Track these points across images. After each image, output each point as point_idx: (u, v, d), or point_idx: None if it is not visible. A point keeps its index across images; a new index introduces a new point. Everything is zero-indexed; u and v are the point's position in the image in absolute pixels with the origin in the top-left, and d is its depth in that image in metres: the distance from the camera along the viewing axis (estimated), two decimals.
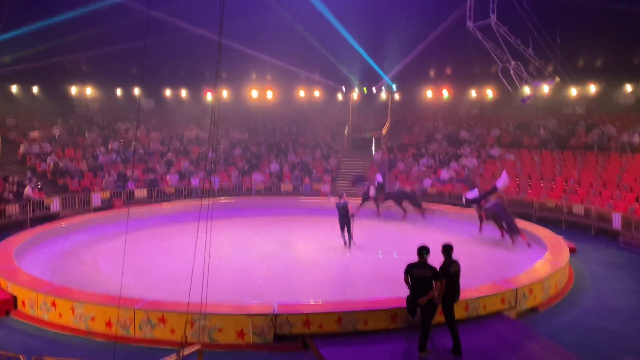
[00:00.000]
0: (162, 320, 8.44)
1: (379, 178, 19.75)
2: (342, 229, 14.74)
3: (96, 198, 20.07)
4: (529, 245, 14.46)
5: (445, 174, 23.11)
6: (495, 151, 24.22)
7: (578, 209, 18.07)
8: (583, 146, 22.64)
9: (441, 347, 7.96)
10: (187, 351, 5.94)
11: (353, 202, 16.36)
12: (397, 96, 30.48)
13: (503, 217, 15.35)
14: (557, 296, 10.71)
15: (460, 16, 19.58)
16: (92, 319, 8.81)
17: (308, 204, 21.63)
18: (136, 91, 29.50)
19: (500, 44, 18.69)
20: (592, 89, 25.18)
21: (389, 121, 29.45)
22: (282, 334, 8.41)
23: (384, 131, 28.80)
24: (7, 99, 26.82)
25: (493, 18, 18.24)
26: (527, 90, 20.28)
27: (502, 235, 15.55)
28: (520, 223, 16.64)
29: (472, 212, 18.70)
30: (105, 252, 14.05)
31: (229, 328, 8.35)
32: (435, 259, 7.89)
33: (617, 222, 16.35)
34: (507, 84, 19.92)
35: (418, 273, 7.76)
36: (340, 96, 30.82)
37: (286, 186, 24.00)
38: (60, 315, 9.11)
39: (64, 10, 20.60)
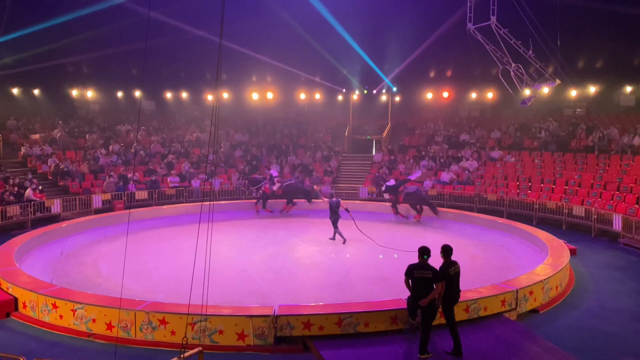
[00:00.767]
0: (163, 322, 8.44)
1: (390, 181, 20.55)
2: (334, 225, 15.67)
3: (97, 200, 20.11)
4: (418, 220, 18.53)
5: (445, 176, 23.12)
6: (496, 153, 24.23)
7: (578, 210, 18.08)
8: (583, 148, 22.66)
9: (442, 349, 7.96)
10: (188, 353, 5.95)
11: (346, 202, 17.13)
12: (397, 98, 30.52)
13: (420, 200, 18.93)
14: (558, 298, 10.71)
15: (461, 18, 19.60)
16: (93, 320, 8.81)
17: (309, 205, 21.64)
18: (137, 93, 29.53)
19: (500, 46, 18.70)
20: (592, 90, 25.21)
21: (390, 123, 29.47)
22: (283, 336, 8.41)
23: (384, 133, 28.82)
24: (9, 101, 26.87)
25: (493, 20, 18.25)
26: (527, 92, 20.29)
27: (396, 213, 19.33)
28: (520, 225, 16.72)
29: (473, 214, 18.78)
30: (106, 254, 14.06)
31: (230, 330, 8.35)
32: (436, 261, 7.90)
33: (617, 223, 16.35)
34: (507, 86, 19.92)
35: (419, 274, 7.76)
36: (340, 98, 30.84)
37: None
38: (61, 317, 9.11)
39: (64, 12, 20.63)
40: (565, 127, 24.77)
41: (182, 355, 5.84)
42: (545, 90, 20.91)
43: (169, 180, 22.85)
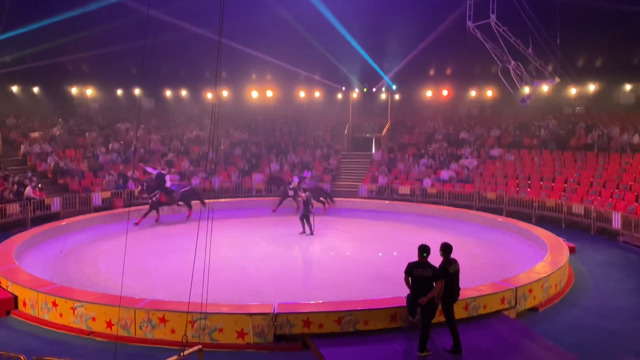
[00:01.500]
0: (163, 320, 8.45)
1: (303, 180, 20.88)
2: (307, 219, 16.39)
3: (97, 198, 20.11)
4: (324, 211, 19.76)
5: (445, 174, 23.14)
6: (496, 151, 24.24)
7: (578, 208, 18.09)
8: (583, 146, 22.66)
9: (441, 347, 7.98)
10: (188, 351, 5.96)
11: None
12: (397, 96, 30.50)
13: (322, 194, 20.62)
14: (557, 296, 10.73)
15: (460, 16, 19.59)
16: (93, 318, 8.82)
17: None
18: (136, 91, 29.50)
19: (500, 44, 18.70)
20: (592, 88, 25.21)
21: (389, 121, 29.47)
22: (283, 334, 8.42)
23: (383, 131, 28.82)
24: (8, 99, 26.82)
25: (493, 18, 18.24)
26: (527, 90, 20.29)
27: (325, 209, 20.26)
28: (519, 223, 16.74)
29: (472, 212, 18.74)
30: (105, 252, 14.06)
31: (230, 328, 8.36)
32: (435, 259, 7.90)
33: (616, 221, 16.37)
34: (507, 84, 19.94)
35: (419, 273, 7.77)
36: (340, 96, 30.82)
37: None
38: (60, 315, 9.12)
39: (64, 10, 20.59)
40: (565, 125, 24.77)
41: (181, 354, 5.85)
42: (545, 88, 20.93)
43: (168, 178, 22.78)
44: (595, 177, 19.90)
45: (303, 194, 17.19)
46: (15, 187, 18.49)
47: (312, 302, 9.59)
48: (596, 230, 17.18)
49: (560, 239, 13.89)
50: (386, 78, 27.84)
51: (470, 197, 21.24)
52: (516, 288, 9.70)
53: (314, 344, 8.19)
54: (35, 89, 27.84)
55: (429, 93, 29.16)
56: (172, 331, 8.39)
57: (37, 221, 17.26)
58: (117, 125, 27.54)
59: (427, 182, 22.88)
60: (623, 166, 19.93)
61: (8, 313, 9.69)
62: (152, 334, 8.50)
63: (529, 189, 20.71)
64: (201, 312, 8.13)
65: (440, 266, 7.87)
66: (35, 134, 24.28)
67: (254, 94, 29.95)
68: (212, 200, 19.61)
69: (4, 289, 10.15)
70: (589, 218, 17.52)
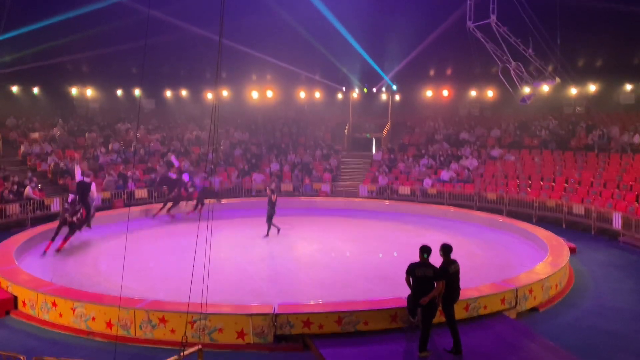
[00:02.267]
0: (163, 320, 8.45)
1: (186, 177, 19.60)
2: (271, 219, 16.00)
3: (97, 198, 20.05)
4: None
5: (445, 174, 23.13)
6: (496, 152, 24.23)
7: (578, 209, 18.08)
8: (583, 146, 22.66)
9: (441, 347, 7.97)
10: (188, 351, 5.94)
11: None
12: (397, 96, 30.49)
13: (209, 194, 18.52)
14: (557, 296, 10.72)
15: (460, 16, 19.57)
16: (93, 319, 8.81)
17: (308, 203, 21.68)
18: (137, 92, 29.50)
19: (500, 44, 18.68)
20: (592, 88, 25.21)
21: (389, 121, 29.47)
22: (283, 334, 8.41)
23: (384, 132, 28.82)
24: (8, 100, 26.84)
25: (493, 18, 18.22)
26: (527, 90, 20.29)
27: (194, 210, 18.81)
28: (520, 224, 16.73)
29: (472, 212, 18.70)
30: (105, 252, 14.05)
31: (230, 328, 8.35)
32: (435, 260, 7.90)
33: (617, 222, 16.36)
34: (507, 85, 19.92)
35: (420, 273, 7.76)
36: (340, 96, 30.82)
37: (286, 186, 24.02)
38: (60, 315, 9.12)
39: (64, 10, 20.60)
40: (565, 126, 24.76)
41: (181, 354, 5.83)
42: (545, 88, 20.92)
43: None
44: (596, 177, 19.89)
45: (271, 193, 16.23)
46: (15, 187, 18.48)
47: (312, 302, 9.60)
48: (596, 231, 17.16)
49: (561, 240, 13.87)
50: (386, 78, 27.84)
51: (471, 198, 21.23)
52: (516, 288, 9.70)
53: (314, 344, 8.18)
54: (36, 89, 27.85)
55: (429, 93, 29.16)
56: (172, 331, 8.38)
57: (37, 221, 17.25)
58: (117, 126, 27.54)
59: (427, 183, 22.86)
60: (623, 166, 19.92)
61: (8, 313, 9.68)
62: (152, 334, 8.49)
63: (529, 189, 20.70)
64: (201, 313, 8.12)
65: (440, 266, 7.87)
66: (35, 134, 24.28)
67: (254, 94, 29.95)
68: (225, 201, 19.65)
69: (4, 289, 10.14)
70: (589, 218, 17.51)
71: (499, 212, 19.77)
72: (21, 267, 11.14)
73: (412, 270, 7.85)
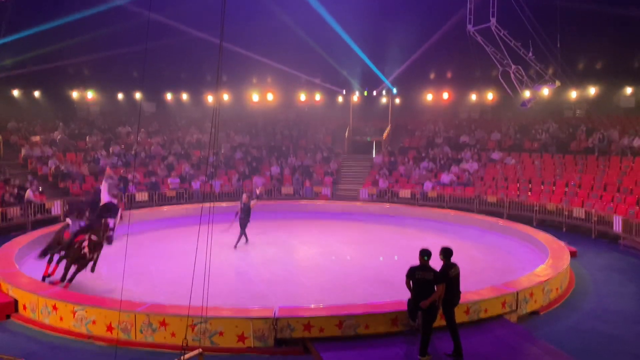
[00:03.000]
0: (163, 323, 8.44)
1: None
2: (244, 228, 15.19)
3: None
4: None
5: (445, 177, 23.13)
6: (496, 155, 24.24)
7: (578, 212, 18.06)
8: (583, 150, 22.66)
9: (442, 351, 7.96)
10: (188, 355, 5.95)
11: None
12: (397, 100, 30.53)
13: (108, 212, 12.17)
14: (558, 300, 10.70)
15: (461, 20, 19.62)
16: (93, 322, 8.81)
17: (309, 207, 21.68)
18: (137, 95, 29.54)
19: (500, 47, 18.72)
20: (592, 92, 25.23)
21: (390, 125, 29.49)
22: (283, 338, 8.41)
23: (384, 135, 28.84)
24: (9, 103, 26.87)
25: (493, 21, 18.26)
26: (527, 94, 20.31)
27: None
28: (520, 227, 16.73)
29: (473, 216, 18.66)
30: (106, 256, 14.00)
31: (230, 332, 8.35)
32: (435, 263, 7.90)
33: (617, 225, 16.34)
34: (507, 88, 19.93)
35: (420, 276, 7.76)
36: (340, 99, 30.86)
37: (287, 189, 24.03)
38: (61, 318, 9.11)
39: (65, 14, 20.65)
40: (565, 129, 24.77)
41: (182, 357, 5.84)
42: (545, 91, 20.96)
43: (169, 181, 22.85)
44: (596, 180, 19.89)
45: (248, 200, 15.60)
46: (16, 190, 18.50)
47: (312, 306, 9.60)
48: (597, 234, 17.15)
49: (561, 243, 13.87)
50: (387, 81, 27.88)
51: (471, 201, 21.22)
52: (517, 292, 9.68)
53: (314, 348, 8.17)
54: (36, 93, 27.89)
55: (429, 96, 29.18)
56: (173, 335, 8.37)
57: (38, 224, 17.25)
58: (118, 129, 27.57)
59: (427, 186, 22.86)
60: (624, 170, 19.92)
61: (8, 317, 9.67)
62: (152, 338, 8.48)
63: (529, 193, 20.69)
64: (202, 316, 8.12)
65: (441, 270, 7.87)
66: (36, 138, 24.30)
67: (255, 98, 29.98)
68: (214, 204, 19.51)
69: (4, 292, 10.14)
70: (589, 222, 17.50)
71: (499, 215, 19.76)
72: (22, 271, 11.14)
73: (412, 273, 7.85)
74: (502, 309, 9.48)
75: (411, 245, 12.93)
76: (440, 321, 8.01)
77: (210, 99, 30.12)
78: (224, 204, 21.04)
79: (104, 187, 12.33)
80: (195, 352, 6.12)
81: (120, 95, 30.12)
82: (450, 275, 7.84)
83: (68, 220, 11.92)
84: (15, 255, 12.25)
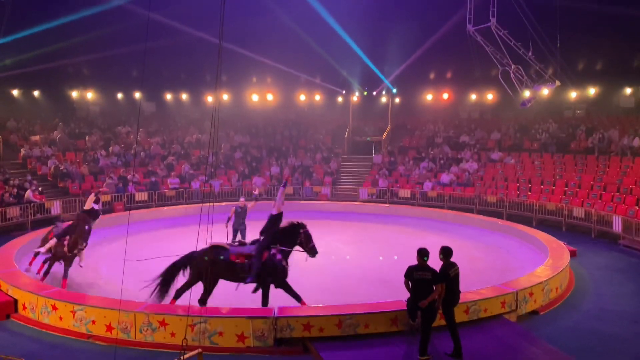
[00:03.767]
0: (163, 323, 8.44)
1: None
2: (235, 232, 14.59)
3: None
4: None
5: (445, 177, 23.13)
6: (496, 155, 24.24)
7: (578, 212, 18.07)
8: (583, 149, 22.67)
9: (441, 351, 7.96)
10: (188, 355, 5.95)
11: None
12: (397, 100, 30.53)
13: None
14: (558, 299, 10.71)
15: (460, 20, 19.62)
16: (93, 322, 8.81)
17: (308, 206, 21.65)
18: (137, 95, 29.54)
19: (500, 47, 18.72)
20: (592, 92, 25.24)
21: (390, 124, 29.49)
22: (283, 338, 8.41)
23: (384, 135, 28.85)
24: (8, 102, 26.86)
25: (493, 21, 18.27)
26: (527, 93, 20.31)
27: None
28: (520, 227, 16.73)
29: (472, 216, 18.62)
30: (105, 256, 14.04)
31: (230, 331, 8.35)
32: (435, 263, 7.90)
33: (617, 225, 16.35)
34: (507, 88, 19.94)
35: (418, 276, 7.76)
36: (340, 99, 30.86)
37: (286, 189, 23.98)
38: (60, 318, 9.11)
39: (65, 14, 20.65)
40: (565, 129, 24.77)
41: (181, 357, 5.84)
42: (545, 91, 20.98)
43: (168, 181, 22.85)
44: (596, 180, 19.89)
45: (246, 203, 15.26)
46: (16, 190, 18.49)
47: (312, 305, 9.58)
48: (597, 234, 17.16)
49: (561, 243, 13.87)
50: (386, 81, 27.88)
51: (471, 201, 21.22)
52: (517, 291, 9.69)
53: (314, 347, 8.17)
54: (36, 92, 27.88)
55: (429, 96, 29.20)
56: (172, 335, 8.37)
57: (37, 224, 17.25)
58: (118, 129, 27.56)
59: (427, 186, 22.87)
60: (623, 169, 19.93)
61: (8, 317, 9.66)
62: (152, 338, 8.48)
63: (529, 193, 20.69)
64: (201, 316, 8.14)
65: (440, 270, 7.87)
66: (36, 137, 24.30)
67: (255, 97, 29.99)
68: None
69: (4, 292, 10.13)
70: (589, 221, 17.51)
71: (499, 215, 19.77)
72: (22, 270, 11.14)
73: (410, 273, 7.86)
74: (502, 309, 9.48)
75: (411, 244, 12.91)
76: (440, 321, 8.01)
77: (209, 98, 30.12)
78: (223, 204, 21.11)
79: (90, 199, 12.58)
80: (195, 352, 6.12)
81: (119, 95, 30.12)
82: (450, 275, 7.84)
83: (57, 224, 12.77)
84: (15, 255, 12.24)
